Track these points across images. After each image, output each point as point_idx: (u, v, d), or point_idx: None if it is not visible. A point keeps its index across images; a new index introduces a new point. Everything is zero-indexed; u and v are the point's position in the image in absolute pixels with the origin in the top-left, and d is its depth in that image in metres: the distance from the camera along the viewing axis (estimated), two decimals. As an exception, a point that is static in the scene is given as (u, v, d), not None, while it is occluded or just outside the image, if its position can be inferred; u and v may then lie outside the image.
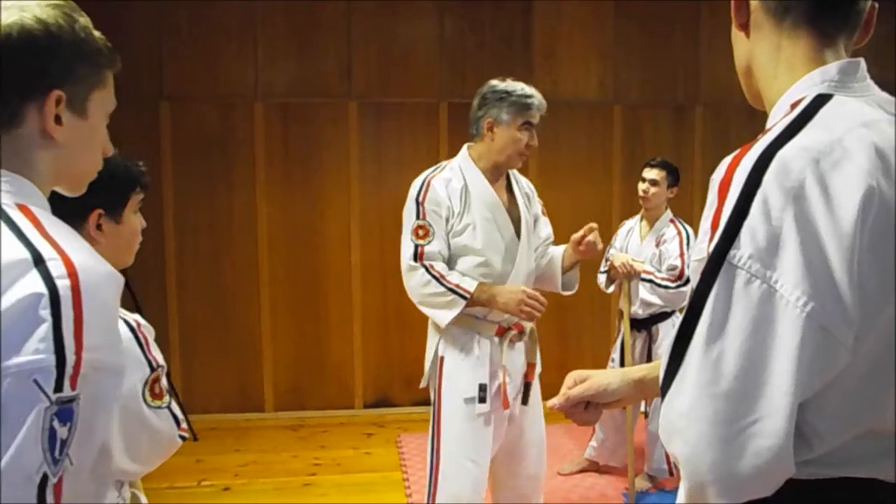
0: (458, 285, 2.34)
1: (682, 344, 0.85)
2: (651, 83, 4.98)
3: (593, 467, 3.83)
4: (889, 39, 4.34)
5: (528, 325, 2.51)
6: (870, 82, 0.95)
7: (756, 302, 0.81)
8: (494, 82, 2.44)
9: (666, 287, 3.42)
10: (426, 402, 4.51)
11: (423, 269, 2.35)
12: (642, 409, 3.81)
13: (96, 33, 0.97)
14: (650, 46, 4.95)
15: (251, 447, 4.29)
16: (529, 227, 2.51)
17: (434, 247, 2.37)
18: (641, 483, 3.61)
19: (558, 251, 2.59)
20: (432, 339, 2.52)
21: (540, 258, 2.62)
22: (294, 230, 4.74)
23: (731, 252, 0.82)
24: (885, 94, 0.95)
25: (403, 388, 4.80)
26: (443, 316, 2.36)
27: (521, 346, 2.52)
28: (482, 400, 2.39)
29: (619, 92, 4.96)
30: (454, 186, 2.41)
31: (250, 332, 4.72)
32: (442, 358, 2.46)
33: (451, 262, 2.43)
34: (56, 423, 0.79)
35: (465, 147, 2.52)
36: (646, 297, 3.47)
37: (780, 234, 0.81)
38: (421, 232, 2.37)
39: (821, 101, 0.90)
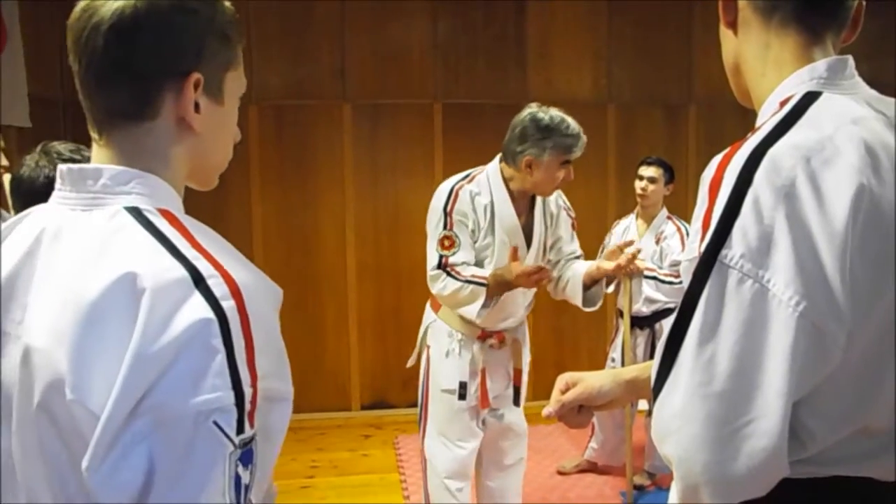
0: (473, 275, 2.36)
1: (674, 345, 0.85)
2: (645, 82, 4.97)
3: (592, 467, 3.82)
4: (884, 37, 4.34)
5: (510, 337, 2.56)
6: (858, 79, 0.95)
7: (748, 301, 0.81)
8: (535, 111, 2.33)
9: (671, 283, 3.45)
10: (423, 404, 4.53)
11: (444, 275, 2.36)
12: (643, 407, 3.80)
13: (226, 3, 0.84)
14: (643, 46, 4.94)
15: (248, 450, 4.28)
16: (538, 249, 2.51)
17: (459, 258, 2.38)
18: (640, 480, 3.62)
19: (581, 266, 2.54)
20: (423, 326, 2.62)
21: (560, 269, 2.61)
22: (289, 233, 4.73)
23: (723, 251, 0.82)
24: (872, 92, 0.95)
25: (400, 390, 4.78)
26: (472, 310, 2.36)
27: (506, 350, 2.56)
28: (462, 397, 2.47)
29: (613, 91, 4.95)
30: (481, 202, 2.41)
31: (246, 335, 4.70)
32: (429, 346, 2.57)
33: None
34: (240, 469, 0.68)
35: (497, 159, 2.47)
36: (650, 295, 3.49)
37: (771, 232, 0.80)
38: (447, 242, 2.38)
39: (810, 98, 0.90)
